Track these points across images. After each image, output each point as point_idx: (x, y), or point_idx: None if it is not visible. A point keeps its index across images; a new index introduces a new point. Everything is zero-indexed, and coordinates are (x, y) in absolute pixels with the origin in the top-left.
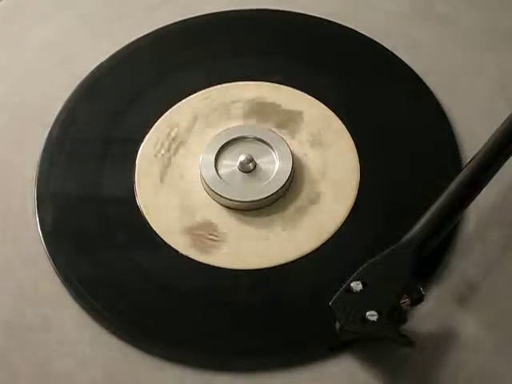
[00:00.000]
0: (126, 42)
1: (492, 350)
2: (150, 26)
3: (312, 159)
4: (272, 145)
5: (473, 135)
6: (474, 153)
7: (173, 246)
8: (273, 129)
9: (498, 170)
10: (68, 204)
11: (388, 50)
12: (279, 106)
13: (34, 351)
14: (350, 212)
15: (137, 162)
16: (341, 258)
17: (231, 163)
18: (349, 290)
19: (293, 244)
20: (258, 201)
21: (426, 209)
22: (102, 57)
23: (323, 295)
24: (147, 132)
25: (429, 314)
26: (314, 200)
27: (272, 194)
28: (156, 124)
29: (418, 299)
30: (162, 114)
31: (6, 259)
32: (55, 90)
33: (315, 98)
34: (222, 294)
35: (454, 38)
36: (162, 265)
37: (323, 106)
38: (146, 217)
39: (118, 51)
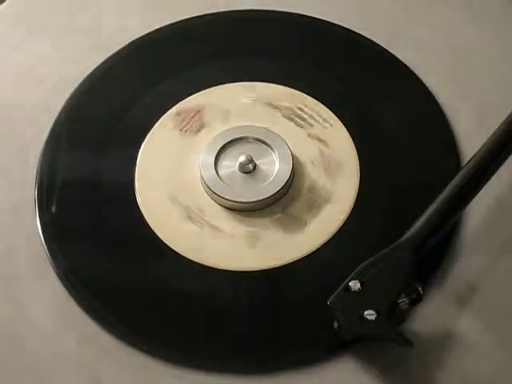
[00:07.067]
0: (128, 41)
1: (492, 351)
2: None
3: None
4: (272, 145)
5: (473, 135)
6: (474, 153)
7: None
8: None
9: (498, 169)
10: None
11: (387, 50)
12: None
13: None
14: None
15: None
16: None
17: (231, 164)
18: (347, 289)
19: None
20: (257, 202)
21: (425, 208)
22: (102, 57)
23: (323, 296)
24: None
25: (428, 314)
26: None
27: (272, 195)
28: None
29: (416, 299)
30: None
31: (7, 262)
32: (56, 89)
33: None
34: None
35: (453, 39)
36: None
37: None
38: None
39: (120, 50)
